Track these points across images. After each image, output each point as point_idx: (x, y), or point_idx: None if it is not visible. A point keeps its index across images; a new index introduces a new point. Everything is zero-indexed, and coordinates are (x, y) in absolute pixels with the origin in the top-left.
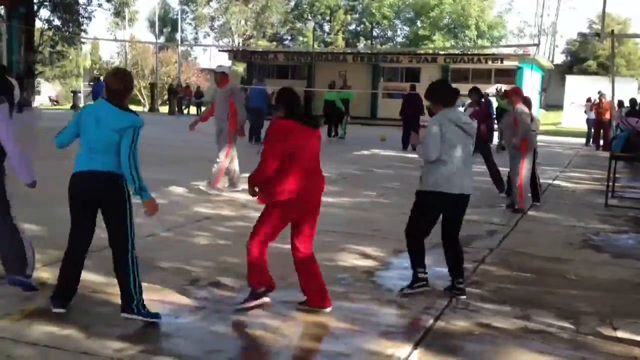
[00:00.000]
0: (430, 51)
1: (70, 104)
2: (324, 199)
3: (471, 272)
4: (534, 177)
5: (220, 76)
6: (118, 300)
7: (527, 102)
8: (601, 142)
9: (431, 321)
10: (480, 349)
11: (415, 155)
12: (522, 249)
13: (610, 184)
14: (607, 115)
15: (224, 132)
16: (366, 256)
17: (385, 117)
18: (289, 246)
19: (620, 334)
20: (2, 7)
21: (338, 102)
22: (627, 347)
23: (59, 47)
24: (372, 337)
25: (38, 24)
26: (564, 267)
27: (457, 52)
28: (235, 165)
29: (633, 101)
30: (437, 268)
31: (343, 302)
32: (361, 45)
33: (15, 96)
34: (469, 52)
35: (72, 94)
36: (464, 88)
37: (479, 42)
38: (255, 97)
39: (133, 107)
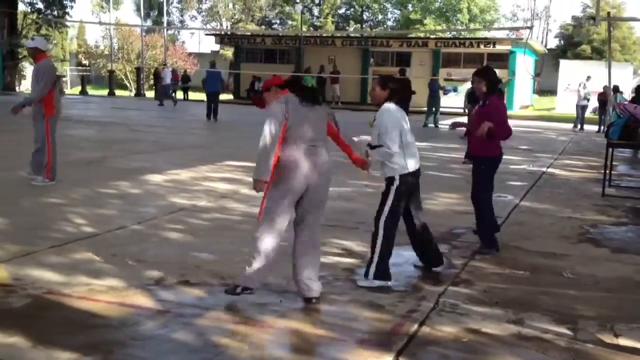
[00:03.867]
0: (422, 35)
1: None
2: None
3: (460, 269)
4: None
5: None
6: (74, 303)
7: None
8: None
9: (415, 326)
10: (470, 358)
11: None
12: (515, 243)
13: (608, 172)
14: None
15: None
16: (348, 252)
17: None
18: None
19: (622, 341)
20: None
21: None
22: (630, 356)
23: (43, 31)
24: (350, 345)
25: (21, 7)
26: (560, 263)
27: (448, 35)
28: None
29: (639, 88)
30: (423, 266)
31: (320, 305)
32: (351, 29)
33: None
34: (461, 36)
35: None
36: (455, 73)
37: (471, 26)
38: (210, 81)
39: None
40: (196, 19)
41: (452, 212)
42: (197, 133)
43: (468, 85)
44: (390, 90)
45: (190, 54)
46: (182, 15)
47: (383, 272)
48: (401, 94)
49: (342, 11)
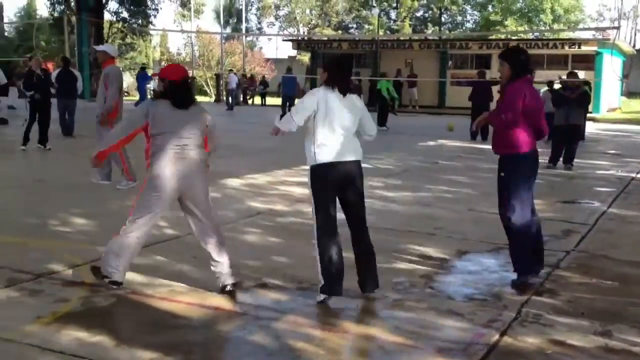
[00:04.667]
0: (502, 36)
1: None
2: (381, 193)
3: (543, 278)
4: None
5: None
6: (156, 304)
7: None
8: None
9: (496, 336)
10: None
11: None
12: (602, 252)
13: None
14: None
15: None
16: (426, 258)
17: (453, 105)
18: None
19: None
20: None
21: (384, 91)
22: None
23: (128, 39)
24: (427, 353)
25: (107, 16)
26: None
27: (531, 37)
28: None
29: None
30: (504, 273)
31: (397, 311)
32: (429, 31)
33: (79, 87)
34: (544, 37)
35: None
36: (538, 75)
37: (555, 27)
38: (287, 85)
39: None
40: (274, 25)
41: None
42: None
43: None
44: (328, 74)
45: (267, 60)
46: (260, 22)
47: (327, 284)
48: (338, 79)
49: (419, 14)
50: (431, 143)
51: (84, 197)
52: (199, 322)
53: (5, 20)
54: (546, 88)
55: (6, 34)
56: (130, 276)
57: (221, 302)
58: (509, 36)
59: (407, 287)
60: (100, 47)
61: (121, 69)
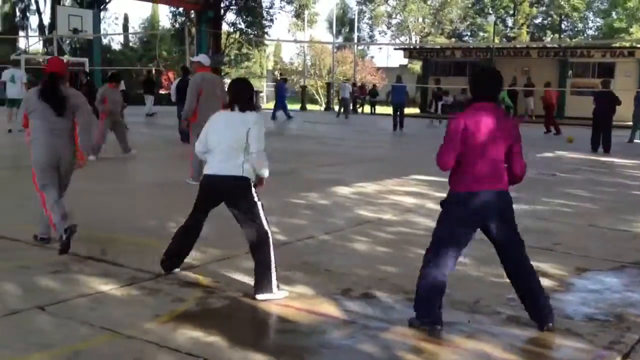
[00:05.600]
0: (627, 44)
1: None
2: None
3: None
4: None
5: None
6: (266, 307)
7: None
8: None
9: (618, 359)
10: None
11: (610, 159)
12: None
13: None
14: None
15: None
16: (542, 274)
17: (573, 115)
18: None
19: None
20: (193, 11)
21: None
22: None
23: (244, 49)
24: None
25: (225, 27)
26: None
27: None
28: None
29: None
30: (628, 293)
31: (511, 329)
32: (548, 39)
33: None
34: None
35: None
36: None
37: None
38: (396, 94)
39: (311, 106)
40: (385, 34)
41: None
42: (383, 146)
43: None
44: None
45: (378, 69)
46: (371, 31)
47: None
48: (236, 99)
49: (538, 21)
50: (548, 154)
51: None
52: (308, 327)
53: (130, 30)
54: None
55: (131, 44)
56: (243, 279)
57: (329, 309)
58: (634, 44)
59: (521, 304)
60: (195, 58)
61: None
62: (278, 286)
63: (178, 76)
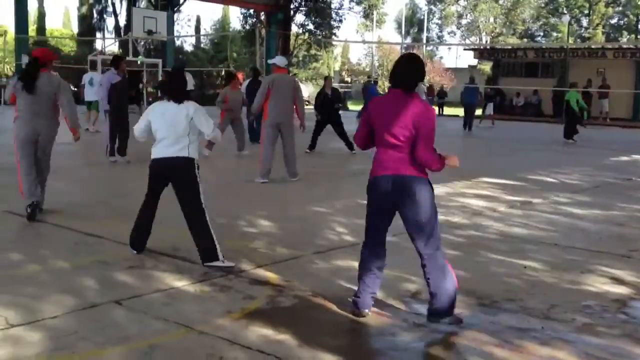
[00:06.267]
0: None
1: None
2: (568, 209)
3: None
4: None
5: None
6: (335, 307)
7: None
8: None
9: None
10: None
11: None
12: None
13: None
14: None
15: None
16: (619, 281)
17: None
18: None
19: None
20: (263, 13)
21: (573, 103)
22: None
23: (312, 50)
24: None
25: (294, 28)
26: None
27: None
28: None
29: None
30: None
31: (586, 336)
32: (624, 39)
33: None
34: None
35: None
36: None
37: None
38: (468, 94)
39: None
40: (455, 34)
41: None
42: (450, 148)
43: None
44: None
45: (447, 69)
46: (441, 31)
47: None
48: (166, 89)
49: (614, 21)
50: (624, 158)
51: (265, 200)
52: (376, 329)
53: (202, 32)
54: None
55: (202, 45)
56: (311, 279)
57: (399, 311)
58: None
59: (597, 311)
60: (271, 60)
61: (305, 78)
62: (224, 257)
63: (247, 77)
